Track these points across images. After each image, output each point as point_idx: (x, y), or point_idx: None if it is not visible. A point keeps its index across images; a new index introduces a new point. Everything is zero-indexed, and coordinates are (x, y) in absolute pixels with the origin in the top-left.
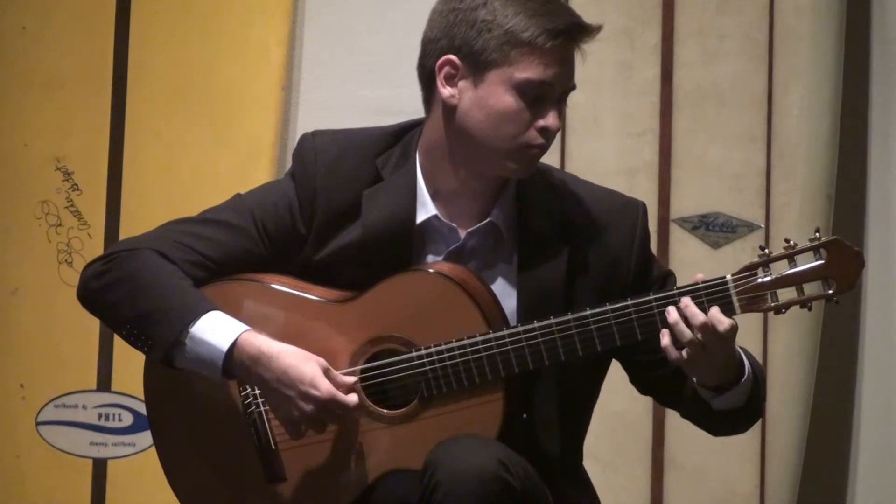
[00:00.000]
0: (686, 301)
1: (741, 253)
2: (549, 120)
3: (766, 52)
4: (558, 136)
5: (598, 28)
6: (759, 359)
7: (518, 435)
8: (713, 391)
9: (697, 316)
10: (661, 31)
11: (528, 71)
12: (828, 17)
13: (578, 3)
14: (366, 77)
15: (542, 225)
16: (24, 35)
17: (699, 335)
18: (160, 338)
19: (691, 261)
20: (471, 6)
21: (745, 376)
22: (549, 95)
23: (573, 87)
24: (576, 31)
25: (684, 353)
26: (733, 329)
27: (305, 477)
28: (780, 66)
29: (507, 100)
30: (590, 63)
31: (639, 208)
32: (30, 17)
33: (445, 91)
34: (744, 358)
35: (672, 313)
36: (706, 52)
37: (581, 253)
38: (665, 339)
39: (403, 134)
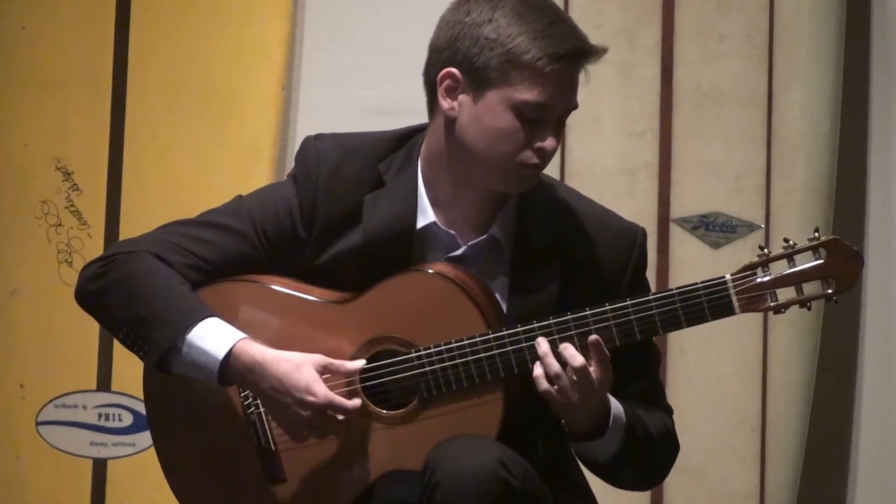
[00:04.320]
0: (566, 345)
1: (741, 253)
2: (547, 142)
3: (766, 52)
4: None
5: (603, 51)
6: (759, 359)
7: (515, 437)
8: (577, 437)
9: (576, 357)
10: (661, 31)
11: (527, 93)
12: (828, 16)
13: (578, 3)
14: (366, 77)
15: (540, 241)
16: (24, 35)
17: (574, 376)
18: (156, 342)
19: (691, 261)
20: (476, 21)
21: (608, 433)
22: (547, 117)
23: (574, 107)
24: (578, 56)
25: (554, 388)
26: (608, 377)
27: (305, 477)
28: (780, 66)
29: (504, 119)
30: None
31: (638, 233)
32: (30, 17)
33: (445, 103)
34: (612, 417)
35: (542, 344)
36: (706, 52)
37: (575, 272)
38: (537, 369)
39: (407, 139)
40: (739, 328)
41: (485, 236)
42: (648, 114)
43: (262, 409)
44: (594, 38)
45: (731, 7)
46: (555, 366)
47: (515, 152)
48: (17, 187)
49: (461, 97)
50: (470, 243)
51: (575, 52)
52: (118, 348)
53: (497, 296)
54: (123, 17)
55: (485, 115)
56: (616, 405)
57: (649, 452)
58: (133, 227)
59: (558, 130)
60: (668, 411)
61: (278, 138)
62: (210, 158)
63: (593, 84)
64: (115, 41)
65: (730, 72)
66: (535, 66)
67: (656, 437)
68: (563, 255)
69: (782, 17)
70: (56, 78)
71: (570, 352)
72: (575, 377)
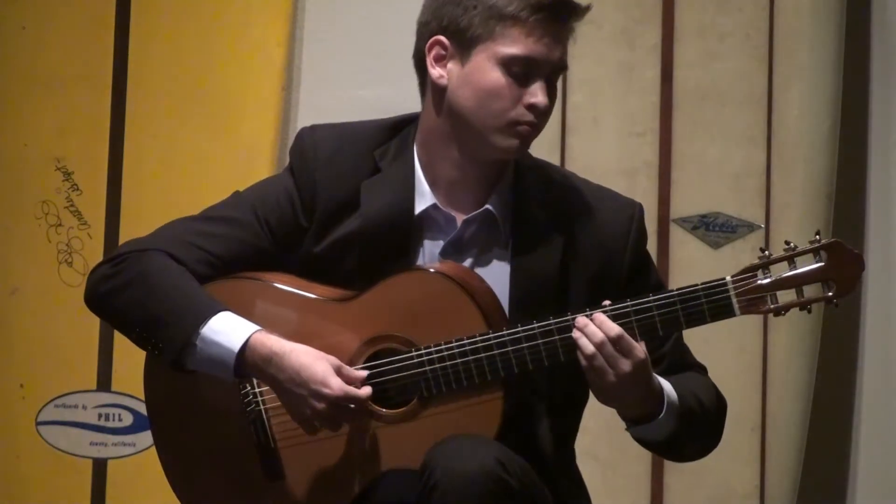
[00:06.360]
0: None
1: (741, 253)
2: (537, 97)
3: (766, 51)
4: (558, 135)
5: (586, 8)
6: (759, 359)
7: (514, 437)
8: (629, 421)
9: (596, 333)
10: (661, 31)
11: (512, 46)
12: (828, 16)
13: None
14: (366, 77)
15: (538, 215)
16: (24, 35)
17: (608, 348)
18: (171, 340)
19: (691, 261)
20: None
21: (663, 415)
22: (535, 71)
23: (564, 66)
24: (560, 7)
25: (593, 365)
26: (641, 360)
27: (304, 476)
28: (781, 66)
29: (493, 76)
30: (590, 63)
31: (635, 207)
32: (30, 16)
33: (435, 72)
34: (666, 399)
35: (581, 318)
36: (706, 51)
37: (575, 245)
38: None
39: (401, 127)
40: (739, 328)
41: (479, 210)
42: (648, 114)
43: (261, 408)
44: (594, 38)
45: (731, 7)
46: (589, 346)
47: (506, 109)
48: (17, 187)
49: (450, 64)
50: (466, 218)
51: (556, 3)
52: (118, 348)
53: (498, 271)
54: (123, 17)
55: (473, 75)
56: (666, 383)
57: (705, 420)
58: (133, 227)
59: (549, 89)
60: (703, 369)
61: (278, 138)
62: (210, 158)
63: (593, 84)
64: (115, 41)
65: (730, 72)
66: (519, 17)
67: (707, 403)
68: (562, 229)
69: (782, 17)
70: (56, 78)
71: (591, 328)
72: (604, 354)
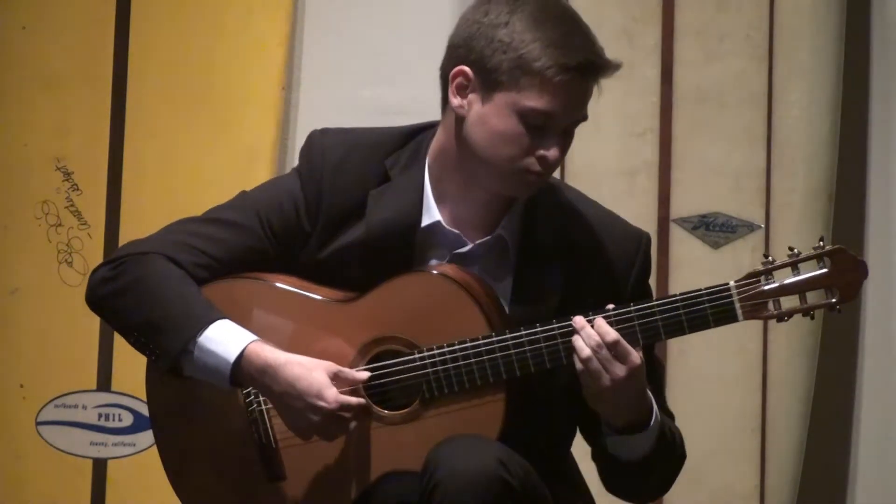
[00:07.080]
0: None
1: (741, 253)
2: (550, 151)
3: (766, 51)
4: None
5: (616, 66)
6: (759, 359)
7: (516, 438)
8: (614, 430)
9: (609, 334)
10: (661, 31)
11: (533, 100)
12: (828, 16)
13: (578, 3)
14: (366, 77)
15: (546, 243)
16: (24, 35)
17: (604, 352)
18: (168, 347)
19: (691, 261)
20: (493, 23)
21: (650, 427)
22: (553, 126)
23: (583, 119)
24: (589, 69)
25: (588, 368)
26: (637, 366)
27: (306, 476)
28: (780, 66)
29: (509, 123)
30: None
31: (642, 238)
32: (30, 16)
33: (455, 101)
34: (655, 412)
35: (579, 320)
36: (706, 51)
37: (579, 275)
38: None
39: (415, 135)
40: (739, 328)
41: (491, 236)
42: (648, 114)
43: (263, 407)
44: None
45: (730, 7)
46: (585, 349)
47: (517, 157)
48: (17, 187)
49: (471, 96)
50: (477, 242)
51: (586, 65)
52: (118, 348)
53: (501, 295)
54: (123, 17)
55: (491, 117)
56: (654, 402)
57: (673, 454)
58: (133, 227)
59: (564, 141)
60: (672, 417)
61: (278, 138)
62: (210, 158)
63: None
64: (115, 41)
65: (730, 72)
66: (545, 75)
67: (677, 441)
68: (567, 258)
69: (782, 17)
70: (56, 78)
71: (588, 331)
72: (599, 358)
